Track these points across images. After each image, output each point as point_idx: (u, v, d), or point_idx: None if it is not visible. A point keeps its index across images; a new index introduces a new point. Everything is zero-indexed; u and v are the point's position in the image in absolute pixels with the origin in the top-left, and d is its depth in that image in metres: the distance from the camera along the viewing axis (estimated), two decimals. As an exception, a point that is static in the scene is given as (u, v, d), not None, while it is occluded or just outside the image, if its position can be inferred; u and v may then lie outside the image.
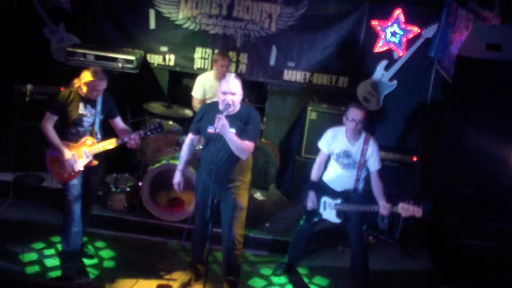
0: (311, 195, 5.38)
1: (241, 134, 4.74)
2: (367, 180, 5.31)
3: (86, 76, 4.97)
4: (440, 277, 5.96)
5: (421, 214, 4.90)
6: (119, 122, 5.33)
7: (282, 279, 5.75)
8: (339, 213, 5.30)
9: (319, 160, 5.44)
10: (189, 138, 5.16)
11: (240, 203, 4.98)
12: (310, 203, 5.38)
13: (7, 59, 6.97)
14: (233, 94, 4.72)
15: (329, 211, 5.36)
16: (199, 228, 5.16)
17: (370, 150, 5.19)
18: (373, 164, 5.22)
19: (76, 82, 5.06)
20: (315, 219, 5.44)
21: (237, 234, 5.03)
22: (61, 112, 5.03)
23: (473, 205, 5.82)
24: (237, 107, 4.81)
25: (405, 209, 4.92)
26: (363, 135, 5.23)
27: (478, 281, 5.59)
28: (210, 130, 4.76)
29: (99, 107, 5.12)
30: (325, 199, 5.37)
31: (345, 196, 5.28)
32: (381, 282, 5.79)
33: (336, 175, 5.34)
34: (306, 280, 5.80)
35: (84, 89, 4.99)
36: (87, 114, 5.08)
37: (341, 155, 5.26)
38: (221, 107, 4.74)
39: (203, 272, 5.12)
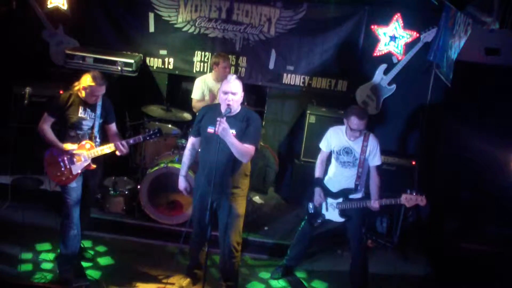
0: (318, 191, 5.37)
1: (241, 136, 4.73)
2: (368, 183, 5.32)
3: (85, 80, 4.97)
4: (438, 281, 5.96)
5: (425, 202, 4.92)
6: (113, 128, 5.33)
7: (280, 283, 5.73)
8: (342, 212, 5.30)
9: (320, 158, 5.47)
10: (190, 142, 5.14)
11: (237, 211, 4.95)
12: (318, 197, 5.35)
13: (6, 62, 6.95)
14: (234, 93, 4.70)
15: (331, 211, 5.36)
16: (197, 232, 5.15)
17: (370, 146, 5.21)
18: (373, 160, 5.24)
19: (76, 86, 5.06)
20: (319, 221, 5.43)
21: (233, 242, 5.00)
22: (59, 115, 5.03)
23: (472, 209, 5.83)
24: (237, 108, 4.80)
25: (408, 199, 4.94)
26: (363, 132, 5.25)
27: (476, 286, 5.60)
28: (210, 130, 4.75)
29: (98, 111, 5.12)
30: (326, 199, 5.38)
31: (346, 194, 5.29)
32: (379, 286, 5.78)
33: (336, 175, 5.35)
34: (304, 283, 5.79)
35: (83, 93, 5.00)
36: (87, 118, 5.08)
37: (341, 152, 5.27)
38: (223, 107, 4.72)
39: (201, 276, 5.12)
